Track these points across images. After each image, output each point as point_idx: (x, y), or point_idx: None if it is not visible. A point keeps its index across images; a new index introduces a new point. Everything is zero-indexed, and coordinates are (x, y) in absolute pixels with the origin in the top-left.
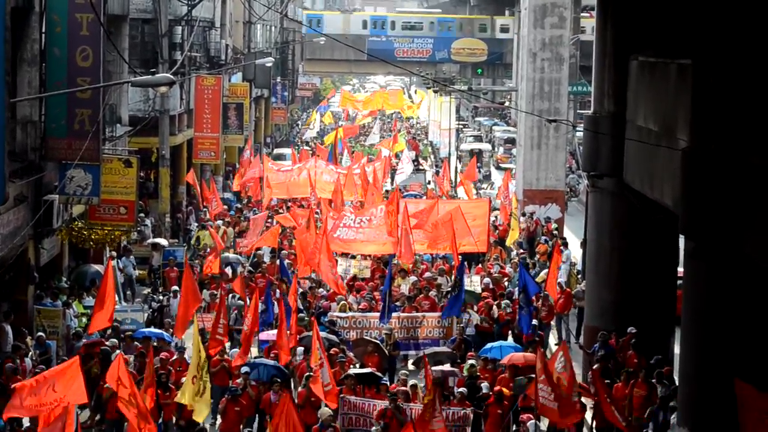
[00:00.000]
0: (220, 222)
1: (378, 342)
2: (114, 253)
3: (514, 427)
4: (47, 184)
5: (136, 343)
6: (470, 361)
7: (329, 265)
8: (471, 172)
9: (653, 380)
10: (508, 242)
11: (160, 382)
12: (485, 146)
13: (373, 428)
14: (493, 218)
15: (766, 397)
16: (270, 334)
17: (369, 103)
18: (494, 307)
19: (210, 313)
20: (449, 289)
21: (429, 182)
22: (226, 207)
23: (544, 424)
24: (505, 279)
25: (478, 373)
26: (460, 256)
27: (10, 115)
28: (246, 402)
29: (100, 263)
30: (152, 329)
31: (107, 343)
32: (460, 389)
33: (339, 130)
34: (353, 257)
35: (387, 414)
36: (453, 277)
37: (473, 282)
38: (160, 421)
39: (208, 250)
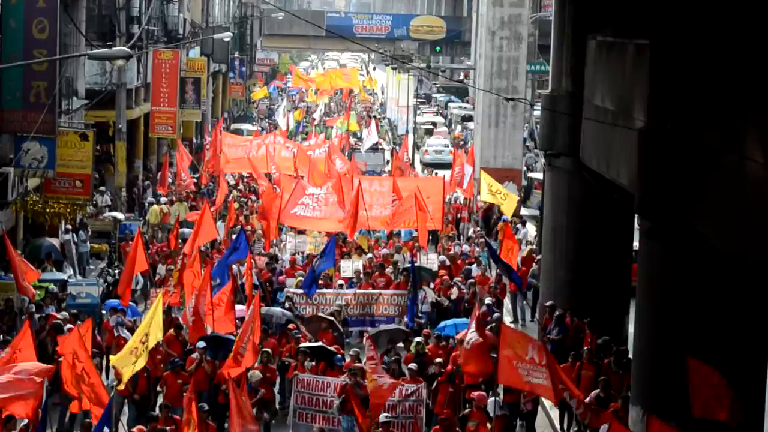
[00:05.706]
0: (163, 198)
1: (332, 319)
2: (69, 227)
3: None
4: (2, 157)
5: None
6: (417, 339)
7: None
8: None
9: (605, 361)
10: (505, 211)
11: None
12: (439, 119)
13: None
14: (452, 198)
15: (717, 376)
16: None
17: (322, 82)
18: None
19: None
20: (407, 265)
21: (388, 162)
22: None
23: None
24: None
25: (426, 350)
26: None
27: None
28: (201, 377)
29: (56, 236)
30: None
31: (59, 316)
32: (410, 365)
33: (296, 113)
34: (301, 233)
35: (346, 389)
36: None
37: (429, 259)
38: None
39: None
